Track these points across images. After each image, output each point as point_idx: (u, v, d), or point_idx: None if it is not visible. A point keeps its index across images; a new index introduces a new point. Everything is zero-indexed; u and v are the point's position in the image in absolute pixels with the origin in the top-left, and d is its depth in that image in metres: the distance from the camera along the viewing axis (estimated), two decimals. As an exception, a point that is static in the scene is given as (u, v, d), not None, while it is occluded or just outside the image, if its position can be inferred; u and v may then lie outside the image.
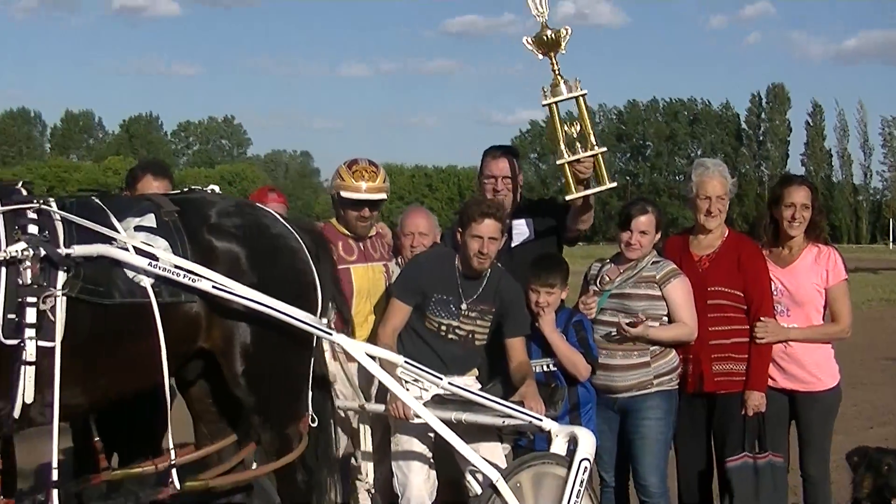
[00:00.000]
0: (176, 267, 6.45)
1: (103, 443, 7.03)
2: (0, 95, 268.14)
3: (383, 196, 8.88)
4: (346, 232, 8.85)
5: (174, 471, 6.81)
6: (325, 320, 7.17)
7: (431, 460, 8.23)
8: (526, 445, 8.36)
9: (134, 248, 6.38)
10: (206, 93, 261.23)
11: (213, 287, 6.54)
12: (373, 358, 7.45)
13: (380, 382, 7.90)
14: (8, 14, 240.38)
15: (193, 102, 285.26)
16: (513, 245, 9.00)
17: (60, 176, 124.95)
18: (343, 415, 8.46)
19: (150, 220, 6.62)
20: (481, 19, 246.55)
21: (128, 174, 9.13)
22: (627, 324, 8.55)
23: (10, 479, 6.94)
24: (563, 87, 8.65)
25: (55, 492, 6.32)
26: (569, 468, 7.50)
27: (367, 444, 8.59)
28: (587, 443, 7.61)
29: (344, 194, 8.75)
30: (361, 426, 8.52)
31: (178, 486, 6.80)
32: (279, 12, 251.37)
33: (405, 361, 7.58)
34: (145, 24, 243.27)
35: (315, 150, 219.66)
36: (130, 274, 6.36)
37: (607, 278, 8.88)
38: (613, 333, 8.65)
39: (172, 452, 6.85)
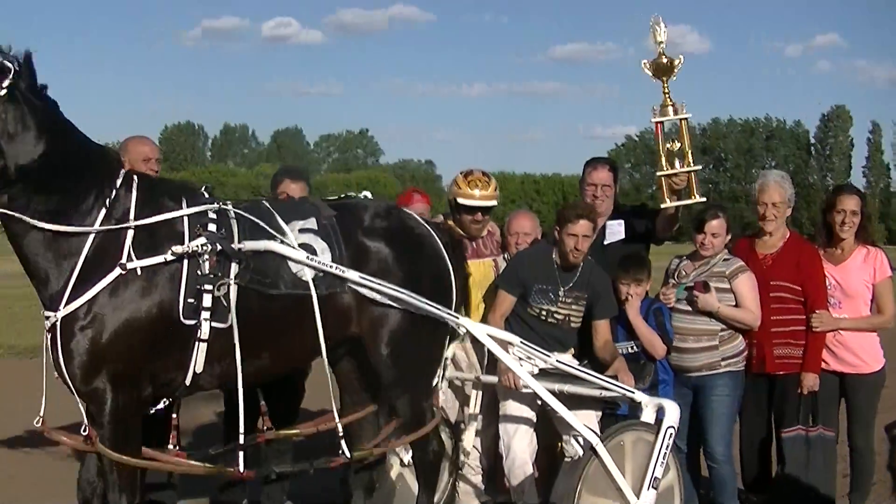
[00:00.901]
0: (330, 265, 6.63)
1: (248, 406, 7.23)
2: (169, 111, 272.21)
3: (494, 203, 9.03)
4: (461, 232, 8.95)
5: (343, 441, 7.04)
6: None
7: (534, 425, 8.38)
8: (612, 414, 8.44)
9: (298, 245, 6.59)
10: (344, 109, 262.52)
11: (360, 277, 6.71)
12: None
13: (489, 358, 8.10)
14: (178, 42, 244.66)
15: (333, 117, 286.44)
16: (605, 243, 9.09)
17: (219, 180, 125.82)
18: (458, 384, 8.69)
19: (312, 223, 6.81)
20: (586, 47, 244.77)
21: (272, 179, 9.40)
22: (695, 288, 8.71)
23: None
24: (670, 108, 8.75)
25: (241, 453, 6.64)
26: (657, 434, 7.62)
27: (476, 409, 8.69)
28: (673, 413, 7.72)
29: (460, 201, 8.93)
30: (474, 392, 8.65)
31: (348, 454, 7.04)
32: (406, 38, 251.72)
33: (521, 341, 7.71)
34: (292, 50, 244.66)
35: (438, 159, 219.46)
36: (294, 268, 6.55)
37: (684, 272, 8.96)
38: (690, 310, 8.78)
39: (339, 426, 7.05)
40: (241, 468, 6.61)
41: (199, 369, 6.29)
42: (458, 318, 7.26)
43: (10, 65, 5.85)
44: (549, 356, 7.78)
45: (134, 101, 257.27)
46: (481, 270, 8.96)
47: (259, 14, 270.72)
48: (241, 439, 6.57)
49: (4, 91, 5.80)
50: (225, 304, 6.25)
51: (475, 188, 8.92)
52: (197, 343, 6.22)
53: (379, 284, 6.78)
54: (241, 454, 6.60)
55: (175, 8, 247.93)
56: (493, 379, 8.33)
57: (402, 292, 6.85)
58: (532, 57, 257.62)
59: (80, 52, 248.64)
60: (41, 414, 6.38)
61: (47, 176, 5.97)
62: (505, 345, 7.63)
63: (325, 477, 8.95)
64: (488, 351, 7.80)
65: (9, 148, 5.86)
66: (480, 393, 8.67)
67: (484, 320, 8.50)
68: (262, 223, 6.55)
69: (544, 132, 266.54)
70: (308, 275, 6.57)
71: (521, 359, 7.69)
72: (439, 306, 7.07)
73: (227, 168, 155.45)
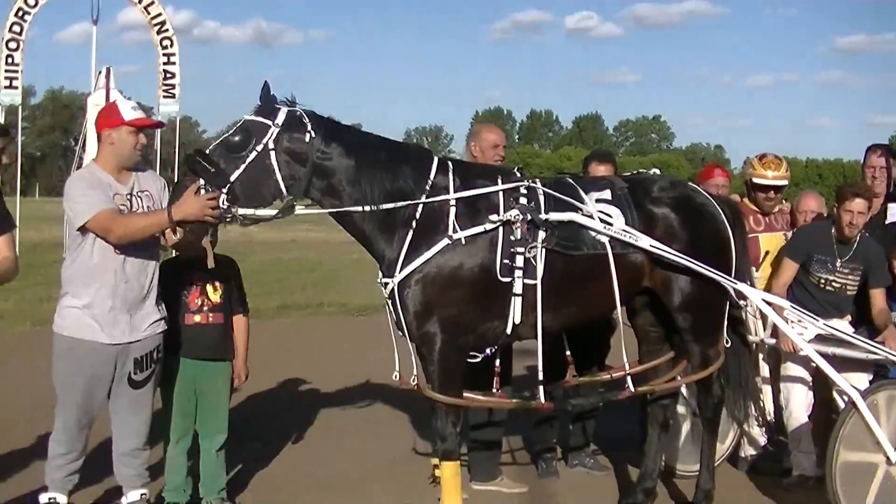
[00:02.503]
0: (623, 230, 7.00)
1: (556, 355, 7.54)
2: (482, 97, 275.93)
3: (785, 182, 9.27)
4: (755, 208, 9.27)
5: (629, 378, 7.44)
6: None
7: (811, 383, 8.56)
8: (884, 375, 8.37)
9: (597, 214, 6.97)
10: (639, 96, 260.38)
11: (651, 246, 7.06)
12: (768, 303, 7.76)
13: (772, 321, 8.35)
14: (489, 35, 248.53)
15: (629, 103, 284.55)
16: (887, 222, 9.19)
17: (525, 161, 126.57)
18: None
19: (607, 194, 7.17)
20: (866, 38, 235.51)
21: (583, 161, 9.89)
22: None
23: (505, 380, 7.76)
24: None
25: (541, 388, 7.09)
26: None
27: (762, 369, 9.02)
28: (932, 374, 7.70)
29: (755, 180, 9.21)
30: (760, 354, 8.95)
31: (632, 389, 7.44)
32: (697, 30, 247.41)
33: (791, 306, 7.92)
34: (593, 42, 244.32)
35: (727, 144, 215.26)
36: (592, 232, 6.96)
37: (962, 247, 8.93)
38: None
39: (626, 365, 7.46)
40: (543, 400, 7.09)
41: (517, 320, 6.81)
42: (735, 282, 7.44)
43: (303, 115, 6.66)
44: (817, 320, 7.95)
45: (451, 88, 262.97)
46: (773, 243, 9.19)
47: (563, 8, 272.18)
48: (541, 375, 7.03)
49: (308, 135, 6.57)
50: (534, 263, 6.77)
51: (768, 169, 9.19)
52: (513, 297, 6.76)
53: (664, 250, 7.10)
54: (541, 388, 7.07)
55: (486, 3, 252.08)
56: (773, 341, 8.58)
57: (686, 259, 7.12)
58: (816, 47, 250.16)
59: (409, 47, 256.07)
60: (397, 369, 7.04)
61: (364, 178, 6.68)
62: (778, 309, 7.84)
63: (622, 420, 9.44)
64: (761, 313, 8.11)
65: (325, 169, 6.65)
66: (763, 354, 8.98)
67: (770, 285, 8.78)
68: (564, 196, 7.00)
69: (827, 120, 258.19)
70: (604, 238, 6.97)
71: (791, 322, 7.93)
72: (718, 272, 7.29)
73: (533, 150, 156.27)
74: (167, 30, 30.59)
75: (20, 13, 29.63)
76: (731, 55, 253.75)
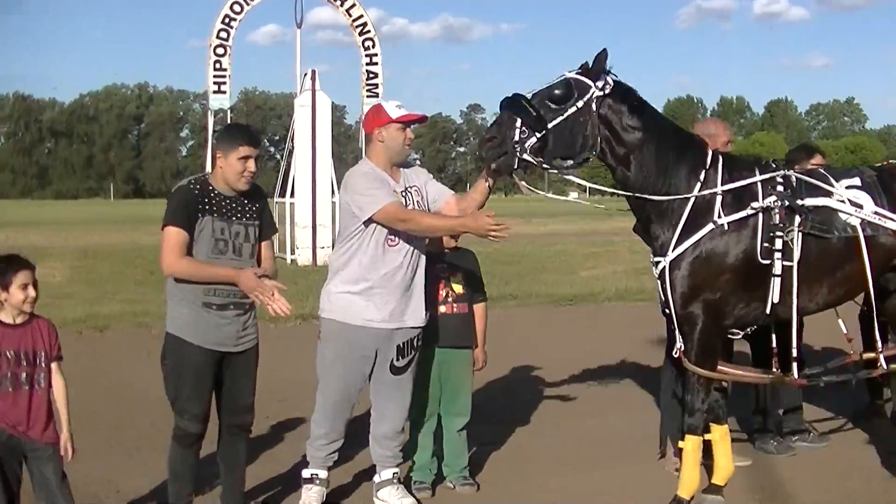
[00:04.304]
0: (875, 213, 7.29)
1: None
2: (671, 85, 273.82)
3: None
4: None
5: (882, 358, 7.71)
6: None
7: None
8: None
9: (848, 199, 7.31)
10: (830, 79, 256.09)
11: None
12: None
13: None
14: (675, 24, 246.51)
15: (821, 87, 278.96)
16: None
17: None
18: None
19: (856, 181, 7.50)
20: None
21: (788, 153, 10.25)
22: None
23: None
24: None
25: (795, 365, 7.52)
26: None
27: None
28: None
29: None
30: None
31: (885, 366, 7.73)
32: (886, 9, 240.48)
33: None
34: (781, 27, 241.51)
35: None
36: (844, 217, 7.29)
37: None
38: None
39: (880, 346, 7.70)
40: (796, 375, 7.51)
41: (776, 300, 7.24)
42: None
43: (620, 86, 7.19)
44: None
45: (640, 76, 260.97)
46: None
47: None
48: (794, 352, 7.49)
49: (621, 105, 7.16)
50: (792, 246, 7.16)
51: None
52: (772, 279, 7.19)
53: None
54: (794, 364, 7.49)
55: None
56: None
57: None
58: None
59: (598, 36, 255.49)
60: (679, 345, 7.42)
61: (656, 159, 7.20)
62: None
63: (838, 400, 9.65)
64: None
65: (626, 141, 7.18)
66: None
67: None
68: (817, 183, 7.38)
69: None
70: (855, 221, 7.29)
71: None
72: None
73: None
74: (369, 31, 31.58)
75: (227, 20, 30.98)
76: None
